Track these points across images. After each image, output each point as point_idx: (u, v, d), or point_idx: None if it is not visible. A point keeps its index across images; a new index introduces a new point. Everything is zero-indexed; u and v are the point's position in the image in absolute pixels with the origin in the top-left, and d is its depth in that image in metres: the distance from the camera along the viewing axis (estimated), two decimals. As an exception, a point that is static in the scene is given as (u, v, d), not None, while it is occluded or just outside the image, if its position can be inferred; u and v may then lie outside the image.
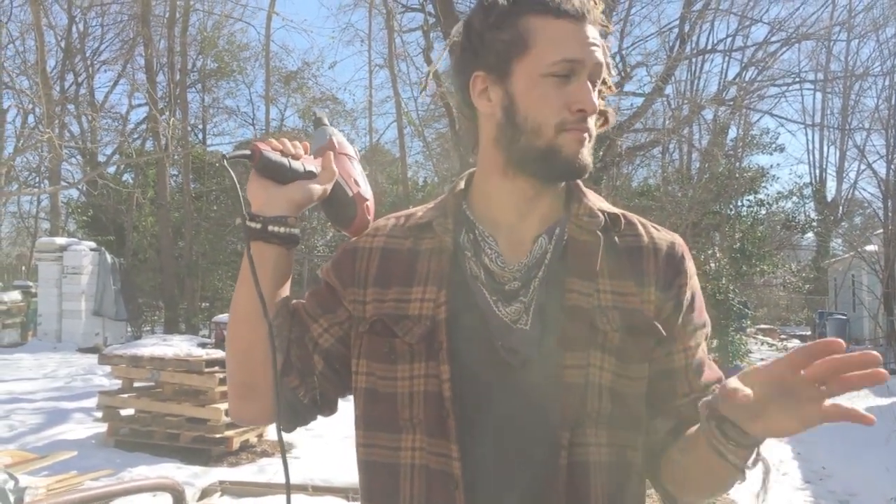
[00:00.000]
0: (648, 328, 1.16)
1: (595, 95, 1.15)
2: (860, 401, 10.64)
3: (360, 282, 1.22)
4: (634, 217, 1.26)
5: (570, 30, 1.13)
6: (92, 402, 7.95)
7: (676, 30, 21.17)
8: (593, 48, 1.14)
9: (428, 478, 1.11)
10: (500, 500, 1.09)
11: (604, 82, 1.19)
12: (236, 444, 6.72)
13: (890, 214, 19.15)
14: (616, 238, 1.20)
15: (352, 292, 1.23)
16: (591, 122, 1.16)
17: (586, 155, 1.16)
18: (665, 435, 1.18)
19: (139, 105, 26.88)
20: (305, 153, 1.30)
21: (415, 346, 1.15)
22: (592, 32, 1.15)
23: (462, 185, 1.27)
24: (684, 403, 1.18)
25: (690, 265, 1.23)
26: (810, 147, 34.44)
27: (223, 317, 15.63)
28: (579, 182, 1.23)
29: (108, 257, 17.35)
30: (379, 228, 1.28)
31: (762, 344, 18.62)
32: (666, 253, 1.21)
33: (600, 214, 1.20)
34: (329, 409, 1.28)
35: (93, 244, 17.54)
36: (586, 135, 1.15)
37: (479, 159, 1.25)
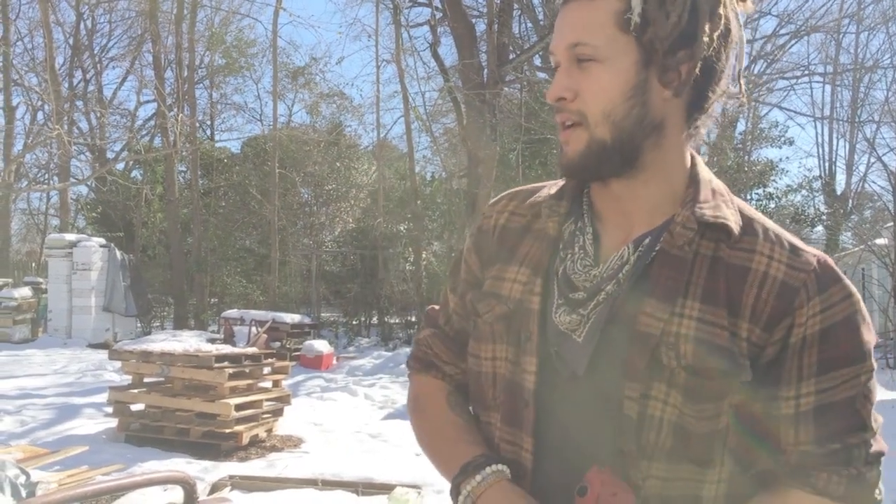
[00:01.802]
0: (728, 371, 1.00)
1: (571, 75, 1.04)
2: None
3: (491, 260, 1.20)
4: (764, 227, 1.07)
5: (559, 18, 1.06)
6: (102, 398, 7.99)
7: (685, 23, 21.10)
8: (561, 30, 1.04)
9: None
10: None
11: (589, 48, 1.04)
12: (246, 439, 6.74)
13: (900, 207, 19.04)
14: (727, 251, 1.04)
15: (487, 272, 1.20)
16: (575, 106, 1.04)
17: (567, 151, 1.07)
18: (755, 476, 1.06)
19: (147, 101, 26.95)
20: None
21: (494, 327, 1.13)
22: (576, 11, 1.03)
23: None
24: (793, 455, 1.03)
25: (817, 301, 1.01)
26: (819, 140, 34.24)
27: (232, 312, 15.68)
28: (709, 184, 1.09)
29: (118, 253, 17.41)
30: (506, 203, 1.24)
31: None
32: (779, 283, 1.01)
33: (695, 225, 1.04)
34: None
35: (102, 240, 17.61)
36: (567, 131, 1.06)
37: None
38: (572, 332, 1.07)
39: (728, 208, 1.07)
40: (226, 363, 6.94)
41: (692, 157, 1.13)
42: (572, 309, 1.07)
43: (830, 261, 1.05)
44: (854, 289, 1.05)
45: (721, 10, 1.02)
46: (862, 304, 1.05)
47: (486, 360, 1.14)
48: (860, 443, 1.03)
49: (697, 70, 1.02)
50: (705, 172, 1.12)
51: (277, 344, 13.80)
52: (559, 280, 1.10)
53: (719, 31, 1.02)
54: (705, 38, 1.00)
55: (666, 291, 1.02)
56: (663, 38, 0.99)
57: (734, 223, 1.05)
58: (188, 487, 2.01)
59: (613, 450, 1.03)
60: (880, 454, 1.05)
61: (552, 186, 1.20)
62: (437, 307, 1.34)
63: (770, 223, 1.09)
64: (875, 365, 1.05)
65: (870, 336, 1.04)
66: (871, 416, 1.04)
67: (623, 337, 1.03)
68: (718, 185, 1.11)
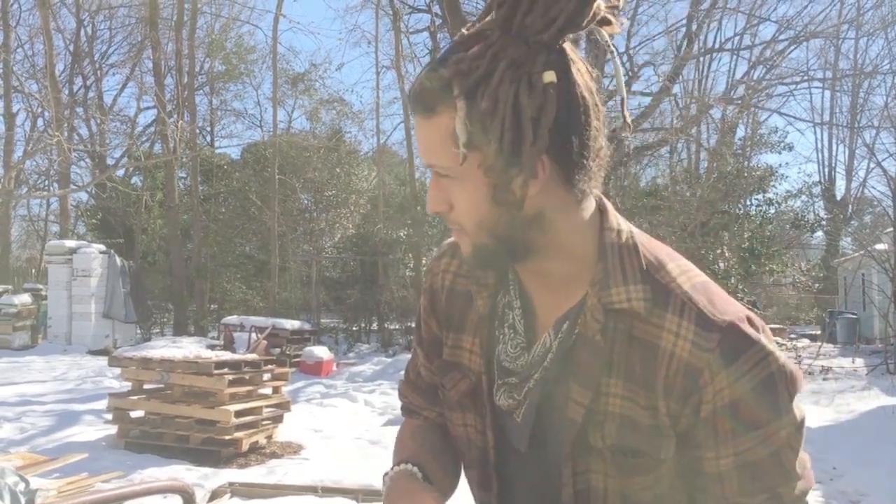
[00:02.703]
0: (650, 449, 1.04)
1: (439, 188, 1.04)
2: (871, 400, 10.60)
3: (444, 324, 1.23)
4: (675, 296, 1.03)
5: (415, 129, 1.04)
6: (102, 405, 7.97)
7: (684, 29, 21.13)
8: (420, 148, 1.04)
9: None
10: None
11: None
12: (245, 446, 6.73)
13: (900, 213, 19.04)
14: (640, 327, 1.03)
15: (444, 335, 1.23)
16: (454, 216, 1.04)
17: (465, 251, 1.07)
18: None
19: (147, 108, 27.05)
20: None
21: (461, 400, 1.17)
22: (422, 127, 1.01)
23: None
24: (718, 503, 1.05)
25: (723, 377, 1.00)
26: (819, 145, 34.44)
27: (232, 318, 15.67)
28: (616, 254, 1.06)
29: (118, 260, 17.41)
30: (447, 261, 1.24)
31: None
32: (684, 363, 1.01)
33: (602, 317, 1.03)
34: None
35: (102, 247, 17.61)
36: (454, 232, 1.08)
37: None
38: (512, 412, 1.12)
39: (636, 283, 1.04)
40: (225, 370, 6.93)
41: (599, 209, 1.09)
42: (509, 392, 1.11)
43: (744, 324, 1.02)
44: (770, 348, 1.02)
45: (550, 100, 0.94)
46: (781, 361, 1.02)
47: (458, 426, 1.19)
48: (788, 492, 1.05)
49: (546, 164, 0.98)
50: (613, 234, 1.07)
51: (277, 350, 13.79)
52: (497, 362, 1.13)
53: (552, 121, 0.94)
54: (529, 148, 0.94)
55: (588, 376, 1.04)
56: (493, 162, 0.96)
57: (641, 301, 1.03)
58: (187, 496, 2.01)
59: None
60: (806, 492, 1.08)
61: None
62: (410, 357, 1.38)
63: (684, 281, 1.05)
64: (799, 414, 1.05)
65: (792, 390, 1.03)
66: (797, 463, 1.06)
67: (554, 418, 1.07)
68: (627, 242, 1.07)
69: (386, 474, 1.17)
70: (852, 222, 28.76)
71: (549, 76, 0.94)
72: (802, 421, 1.06)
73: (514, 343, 1.11)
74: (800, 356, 14.90)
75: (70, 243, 17.39)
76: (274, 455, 7.01)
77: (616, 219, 1.09)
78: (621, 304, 1.03)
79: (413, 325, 1.47)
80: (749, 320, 1.03)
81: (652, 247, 1.09)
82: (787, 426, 1.03)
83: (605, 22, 0.99)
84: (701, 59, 22.75)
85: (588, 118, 0.99)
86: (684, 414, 1.02)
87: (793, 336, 19.83)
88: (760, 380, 1.00)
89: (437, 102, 0.97)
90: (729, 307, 1.03)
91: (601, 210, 1.09)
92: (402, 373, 1.40)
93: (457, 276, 1.21)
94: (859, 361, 15.57)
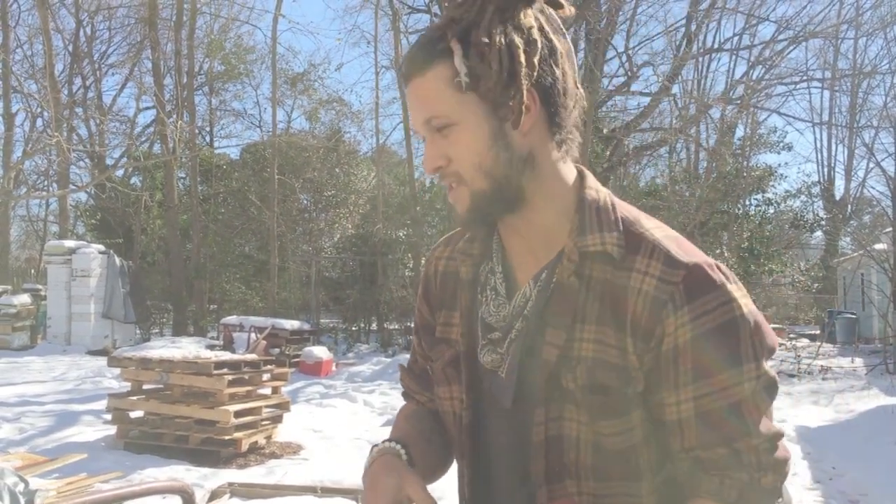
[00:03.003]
0: (619, 386, 1.07)
1: (437, 144, 1.10)
2: (870, 400, 10.60)
3: (438, 306, 1.29)
4: (646, 240, 1.09)
5: (409, 97, 1.12)
6: (101, 405, 7.97)
7: (683, 29, 21.16)
8: (415, 111, 1.11)
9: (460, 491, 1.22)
10: None
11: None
12: (245, 446, 6.73)
13: (899, 212, 19.05)
14: (613, 274, 1.08)
15: (437, 317, 1.29)
16: (453, 169, 1.10)
17: (458, 207, 1.13)
18: (680, 488, 1.11)
19: (147, 108, 27.05)
20: None
21: (446, 371, 1.23)
22: (415, 87, 1.09)
23: None
24: (683, 459, 1.08)
25: (685, 311, 1.04)
26: (818, 145, 34.47)
27: (231, 318, 15.67)
28: (594, 207, 1.12)
29: (117, 260, 17.41)
30: (442, 249, 1.32)
31: (771, 343, 18.53)
32: (651, 298, 1.05)
33: (577, 258, 1.09)
34: None
35: (101, 247, 17.61)
36: (453, 193, 1.12)
37: None
38: (496, 370, 1.17)
39: (611, 231, 1.10)
40: (225, 370, 6.92)
41: (580, 173, 1.18)
42: (493, 348, 1.17)
43: (711, 267, 1.06)
44: (737, 294, 1.05)
45: (536, 36, 1.06)
46: (747, 310, 1.05)
47: (446, 401, 1.24)
48: (749, 448, 1.06)
49: (536, 97, 1.07)
50: (592, 191, 1.15)
51: (277, 350, 13.79)
52: (481, 322, 1.19)
53: (539, 54, 1.06)
54: (524, 71, 1.05)
55: (562, 318, 1.10)
56: (493, 87, 1.05)
57: (615, 247, 1.08)
58: (187, 497, 2.01)
59: (535, 476, 1.12)
60: (782, 462, 1.08)
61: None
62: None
63: (657, 231, 1.11)
64: (769, 374, 1.06)
65: (757, 342, 1.05)
66: (762, 423, 1.07)
67: (535, 370, 1.12)
68: (605, 201, 1.14)
69: (375, 446, 1.22)
70: (851, 222, 28.76)
71: (529, 21, 1.07)
72: (773, 383, 1.08)
73: (496, 303, 1.17)
74: (799, 356, 14.89)
75: (69, 243, 17.38)
76: (273, 455, 7.01)
77: (595, 183, 1.18)
78: (595, 247, 1.09)
79: (413, 324, 1.42)
80: (718, 267, 1.07)
81: (629, 207, 1.16)
82: (750, 380, 1.05)
83: (556, 5, 1.11)
84: (700, 59, 22.77)
85: (562, 60, 1.10)
86: (649, 349, 1.06)
87: (792, 336, 19.83)
88: (722, 323, 1.04)
89: (432, 55, 1.07)
90: (699, 254, 1.09)
91: (581, 175, 1.18)
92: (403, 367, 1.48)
93: (449, 259, 1.28)
94: (858, 361, 15.59)
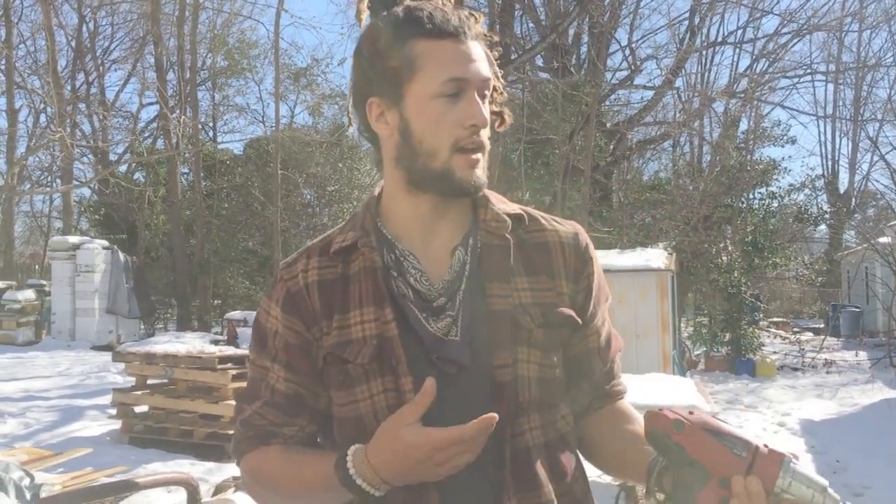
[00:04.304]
0: (565, 320, 1.24)
1: (486, 108, 1.19)
2: (874, 393, 10.60)
3: (315, 318, 1.23)
4: (537, 213, 1.32)
5: (452, 49, 1.17)
6: (106, 400, 8.00)
7: (686, 22, 21.13)
8: (476, 64, 1.18)
9: (405, 490, 1.13)
10: (464, 498, 1.16)
11: (494, 89, 1.25)
12: (249, 441, 6.74)
13: (903, 206, 19.00)
14: (524, 235, 1.27)
15: (315, 330, 1.23)
16: (485, 134, 1.20)
17: (480, 175, 1.21)
18: (586, 405, 1.30)
19: (150, 103, 27.05)
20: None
21: (367, 367, 1.19)
22: (475, 48, 1.19)
23: (375, 199, 1.31)
24: (600, 377, 1.31)
25: (594, 252, 1.32)
26: (822, 139, 34.39)
27: (235, 314, 15.68)
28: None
29: (121, 255, 17.43)
30: (305, 262, 1.27)
31: (775, 337, 18.56)
32: (571, 245, 1.29)
33: (506, 218, 1.25)
34: None
35: (105, 242, 17.63)
36: (478, 155, 1.20)
37: (385, 179, 1.29)
38: (447, 335, 1.20)
39: (509, 203, 1.30)
40: (229, 365, 6.94)
41: None
42: (438, 315, 1.21)
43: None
44: None
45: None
46: None
47: (364, 401, 1.19)
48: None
49: None
50: None
51: (281, 345, 13.80)
52: (410, 299, 1.21)
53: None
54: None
55: (502, 274, 1.23)
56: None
57: (523, 213, 1.29)
58: (191, 489, 2.01)
59: (501, 419, 1.13)
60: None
61: (337, 232, 1.30)
62: (242, 391, 1.35)
63: (532, 210, 1.33)
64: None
65: None
66: None
67: (486, 321, 1.20)
68: None
69: (345, 464, 1.11)
70: (856, 216, 28.71)
71: None
72: None
73: (423, 277, 1.22)
74: (803, 350, 14.89)
75: (73, 239, 17.40)
76: (278, 449, 7.03)
77: None
78: (514, 210, 1.28)
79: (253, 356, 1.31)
80: None
81: None
82: None
83: None
84: (704, 52, 22.71)
85: None
86: (580, 289, 1.28)
87: (796, 329, 19.83)
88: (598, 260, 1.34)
89: (478, 33, 1.21)
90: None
91: None
92: (232, 451, 1.34)
93: (322, 269, 1.26)
94: (863, 355, 15.57)
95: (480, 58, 1.19)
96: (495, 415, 1.06)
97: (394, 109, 1.21)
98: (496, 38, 1.23)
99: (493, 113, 1.25)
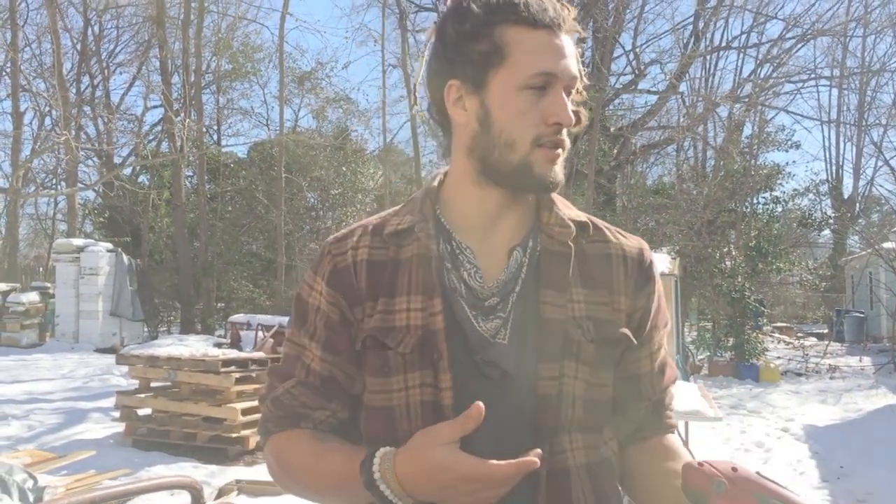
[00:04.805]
0: (620, 338, 1.19)
1: (570, 106, 1.14)
2: (878, 399, 10.57)
3: (359, 298, 1.18)
4: (603, 223, 1.26)
5: (546, 41, 1.12)
6: (109, 402, 8.01)
7: (690, 27, 21.13)
8: (568, 60, 1.13)
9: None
10: None
11: (577, 90, 1.19)
12: (252, 444, 6.75)
13: (908, 211, 18.97)
14: (586, 245, 1.21)
15: (358, 311, 1.18)
16: (565, 133, 1.15)
17: (558, 172, 1.16)
18: (631, 433, 1.24)
19: (154, 107, 27.05)
20: None
21: (407, 357, 1.13)
22: (567, 43, 1.14)
23: (435, 186, 1.25)
24: (646, 406, 1.25)
25: (657, 271, 1.27)
26: (826, 144, 34.19)
27: (239, 317, 15.69)
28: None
29: (125, 258, 17.46)
30: (356, 240, 1.22)
31: (779, 342, 18.53)
32: (636, 260, 1.23)
33: (571, 224, 1.20)
34: None
35: (109, 245, 17.66)
36: (559, 151, 1.15)
37: (451, 166, 1.24)
38: (494, 337, 1.15)
39: (571, 208, 1.25)
40: (233, 368, 6.95)
41: None
42: (487, 315, 1.15)
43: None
44: None
45: None
46: None
47: (398, 392, 1.14)
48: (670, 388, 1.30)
49: None
50: None
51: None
52: (462, 294, 1.16)
53: None
54: None
55: (559, 283, 1.17)
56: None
57: (588, 221, 1.24)
58: (195, 493, 2.02)
59: (539, 435, 1.11)
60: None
61: (393, 213, 1.25)
62: (275, 367, 1.27)
63: (597, 219, 1.28)
64: None
65: None
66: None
67: (536, 329, 1.15)
68: None
69: (371, 466, 1.05)
70: (860, 221, 28.63)
71: None
72: None
73: (477, 273, 1.17)
74: (807, 355, 14.86)
75: (77, 242, 17.44)
76: (280, 453, 7.03)
77: None
78: (580, 218, 1.23)
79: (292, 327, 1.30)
80: None
81: None
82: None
83: None
84: (708, 57, 22.72)
85: None
86: (638, 308, 1.22)
87: (800, 335, 19.79)
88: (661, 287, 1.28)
89: (573, 29, 1.16)
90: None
91: None
92: (259, 429, 1.27)
93: (373, 248, 1.20)
94: (867, 360, 15.55)
95: (571, 53, 1.14)
96: (536, 460, 1.00)
97: (474, 96, 1.15)
98: (585, 35, 1.19)
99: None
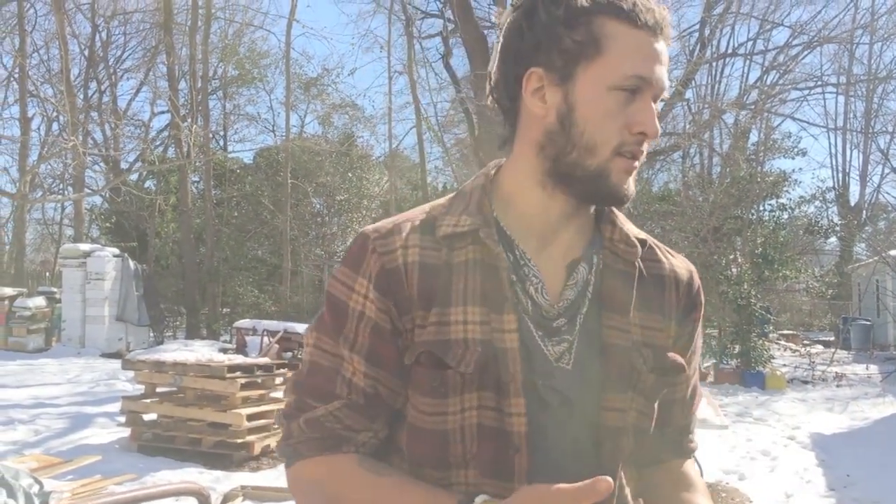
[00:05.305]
0: (675, 367, 1.11)
1: (656, 118, 1.05)
2: (885, 407, 10.53)
3: (410, 306, 1.04)
4: (653, 240, 1.16)
5: (645, 43, 1.03)
6: (115, 407, 8.01)
7: (697, 33, 21.09)
8: (662, 67, 1.04)
9: None
10: None
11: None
12: (257, 449, 6.74)
13: (915, 218, 18.91)
14: (642, 263, 1.12)
15: (407, 320, 1.05)
16: (646, 145, 1.06)
17: (632, 184, 1.06)
18: (647, 458, 1.15)
19: (161, 112, 27.18)
20: None
21: (467, 376, 1.01)
22: (664, 50, 1.05)
23: (490, 184, 1.12)
24: (677, 429, 1.19)
25: (702, 296, 1.19)
26: (833, 151, 34.26)
27: (244, 322, 15.71)
28: None
29: (131, 263, 17.50)
30: (404, 237, 1.07)
31: (785, 350, 18.47)
32: (686, 283, 1.15)
33: (636, 242, 1.11)
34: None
35: (116, 250, 17.71)
36: (637, 163, 1.05)
37: (512, 162, 1.12)
38: (557, 361, 1.05)
39: (632, 225, 1.15)
40: (238, 373, 6.95)
41: None
42: (553, 337, 1.05)
43: None
44: None
45: None
46: None
47: (454, 415, 1.02)
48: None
49: None
50: None
51: (289, 354, 13.80)
52: (528, 311, 1.05)
53: None
54: None
55: (622, 305, 1.08)
56: None
57: (646, 237, 1.14)
58: (202, 499, 2.02)
59: (606, 468, 1.02)
60: None
61: (444, 211, 1.11)
62: (302, 380, 1.10)
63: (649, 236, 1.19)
64: None
65: None
66: None
67: (601, 355, 1.06)
68: None
69: None
70: (866, 228, 28.57)
71: None
72: None
73: (543, 289, 1.06)
74: (813, 362, 14.80)
75: (84, 247, 17.48)
76: (286, 459, 7.02)
77: None
78: (640, 235, 1.13)
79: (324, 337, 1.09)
80: None
81: None
82: None
83: None
84: (714, 63, 22.71)
85: None
86: (684, 334, 1.15)
87: (806, 342, 19.71)
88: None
89: (670, 31, 1.07)
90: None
91: None
92: (286, 452, 1.10)
93: (424, 249, 1.06)
94: (873, 368, 15.48)
95: (666, 62, 1.05)
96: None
97: (558, 88, 1.03)
98: (670, 43, 1.07)
99: None
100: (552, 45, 1.03)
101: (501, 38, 1.10)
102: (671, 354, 1.11)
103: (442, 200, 1.14)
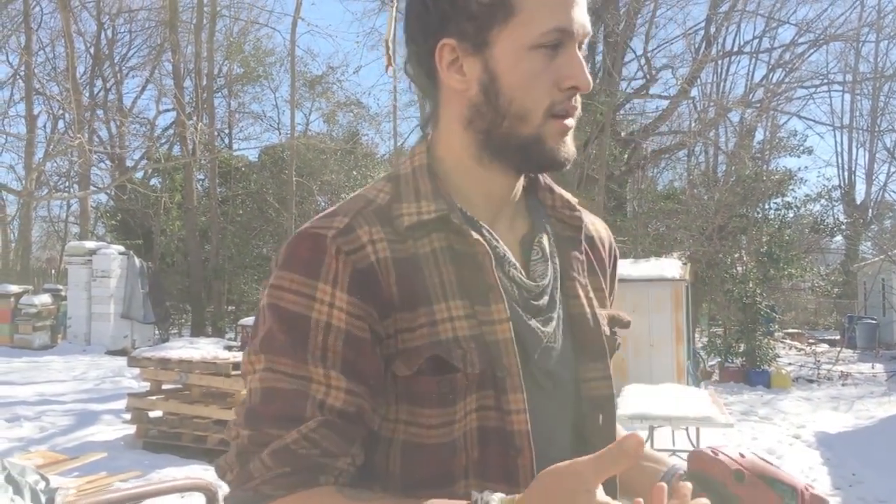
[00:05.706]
0: (624, 324, 1.11)
1: (586, 67, 0.96)
2: (891, 406, 10.51)
3: (390, 308, 0.93)
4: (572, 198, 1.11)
5: None
6: (121, 404, 8.04)
7: (702, 32, 21.07)
8: (581, 9, 0.95)
9: None
10: None
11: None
12: (263, 447, 6.76)
13: (921, 217, 18.87)
14: (579, 225, 1.09)
15: (388, 324, 0.93)
16: (578, 99, 0.97)
17: (570, 145, 0.98)
18: None
19: (167, 110, 27.21)
20: None
21: (471, 377, 0.92)
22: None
23: (427, 165, 1.01)
24: None
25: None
26: (839, 149, 34.05)
27: (249, 320, 15.75)
28: None
29: (137, 261, 17.54)
30: (368, 231, 0.94)
31: (790, 349, 18.44)
32: (608, 239, 1.15)
33: (577, 206, 1.08)
34: None
35: (121, 248, 17.74)
36: (570, 121, 0.97)
37: (441, 141, 1.02)
38: (549, 342, 0.99)
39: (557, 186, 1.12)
40: (243, 371, 6.96)
41: None
42: (540, 316, 0.99)
43: None
44: None
45: None
46: None
47: (460, 422, 0.93)
48: None
49: None
50: None
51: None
52: (515, 296, 0.98)
53: None
54: None
55: (580, 273, 1.06)
56: None
57: (575, 200, 1.10)
58: (210, 494, 2.02)
59: (602, 442, 0.87)
60: None
61: (394, 201, 0.98)
62: (258, 409, 0.91)
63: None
64: None
65: None
66: None
67: (576, 327, 1.03)
68: None
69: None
70: (872, 227, 28.48)
71: None
72: None
73: (518, 269, 1.00)
74: (818, 361, 14.77)
75: (90, 244, 17.53)
76: (291, 456, 7.03)
77: None
78: (573, 198, 1.10)
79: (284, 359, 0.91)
80: None
81: None
82: None
83: None
84: (719, 61, 22.65)
85: None
86: (613, 289, 1.15)
87: (812, 341, 19.67)
88: None
89: None
90: None
91: None
92: (252, 440, 0.90)
93: (391, 242, 0.94)
94: (879, 367, 15.44)
95: (583, 7, 0.96)
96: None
97: (475, 58, 0.95)
98: None
99: None
100: (459, 13, 0.95)
101: (404, 11, 1.02)
102: (619, 313, 1.11)
103: (378, 186, 1.02)
